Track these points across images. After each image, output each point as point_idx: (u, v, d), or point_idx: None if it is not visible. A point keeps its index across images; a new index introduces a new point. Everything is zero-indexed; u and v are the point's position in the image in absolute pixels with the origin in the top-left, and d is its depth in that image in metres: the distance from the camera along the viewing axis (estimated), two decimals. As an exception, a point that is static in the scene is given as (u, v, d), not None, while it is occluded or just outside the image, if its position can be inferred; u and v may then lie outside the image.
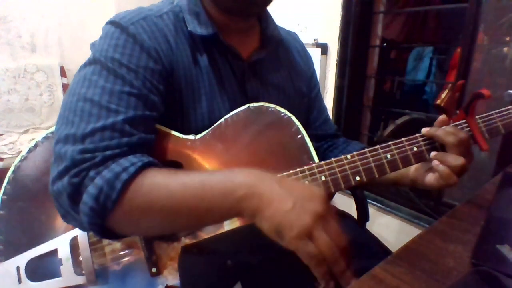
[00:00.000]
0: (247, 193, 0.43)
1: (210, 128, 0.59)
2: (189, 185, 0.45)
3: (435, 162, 0.57)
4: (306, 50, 0.80)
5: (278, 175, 0.47)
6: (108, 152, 0.46)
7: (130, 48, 0.53)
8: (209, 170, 0.48)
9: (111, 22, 0.56)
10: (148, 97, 0.52)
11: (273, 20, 0.70)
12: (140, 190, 0.45)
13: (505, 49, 1.34)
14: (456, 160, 0.56)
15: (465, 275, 0.45)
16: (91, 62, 0.53)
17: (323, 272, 0.41)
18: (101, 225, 0.45)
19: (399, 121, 1.92)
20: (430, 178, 0.60)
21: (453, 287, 0.43)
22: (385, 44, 2.11)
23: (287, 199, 0.42)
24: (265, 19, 0.68)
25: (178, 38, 0.58)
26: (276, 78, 0.70)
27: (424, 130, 0.60)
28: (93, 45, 0.56)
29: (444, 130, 0.58)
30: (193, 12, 0.60)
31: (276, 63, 0.71)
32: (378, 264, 0.48)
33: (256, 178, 0.44)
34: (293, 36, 0.79)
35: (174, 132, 0.58)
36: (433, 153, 0.58)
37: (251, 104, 0.60)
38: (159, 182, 0.45)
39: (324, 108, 0.84)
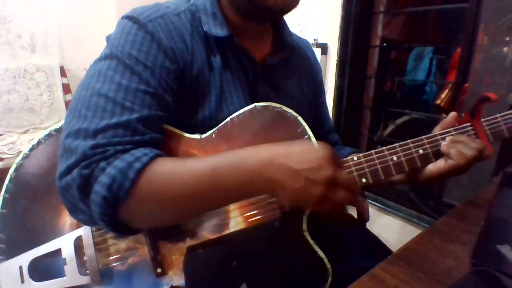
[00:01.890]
0: (260, 180, 0.45)
1: (216, 127, 0.59)
2: (201, 173, 0.45)
3: (450, 144, 0.58)
4: (316, 58, 0.81)
5: (284, 145, 0.47)
6: (119, 147, 0.46)
7: (147, 46, 0.52)
8: (218, 156, 0.48)
9: (129, 17, 0.55)
10: (163, 97, 0.52)
11: (288, 27, 0.70)
12: (152, 179, 0.45)
13: (505, 49, 1.35)
14: (475, 143, 0.56)
15: (465, 275, 0.45)
16: (107, 56, 0.52)
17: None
18: (113, 215, 0.45)
19: (399, 121, 1.92)
20: (436, 163, 0.60)
21: (453, 287, 0.43)
22: (385, 44, 2.11)
23: (298, 176, 0.44)
24: (280, 25, 0.68)
25: (194, 38, 0.58)
26: (286, 84, 0.70)
27: (449, 139, 0.59)
28: (108, 38, 0.55)
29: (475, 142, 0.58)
30: (209, 12, 0.60)
31: (288, 70, 0.71)
32: (378, 264, 0.48)
33: (265, 161, 0.45)
34: (305, 43, 0.79)
35: (180, 131, 0.58)
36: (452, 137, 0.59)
37: (258, 104, 0.60)
38: (170, 171, 0.46)
39: (328, 118, 0.85)
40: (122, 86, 0.49)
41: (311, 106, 0.77)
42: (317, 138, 0.80)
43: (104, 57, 0.52)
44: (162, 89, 0.52)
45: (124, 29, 0.54)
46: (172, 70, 0.54)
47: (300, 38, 0.78)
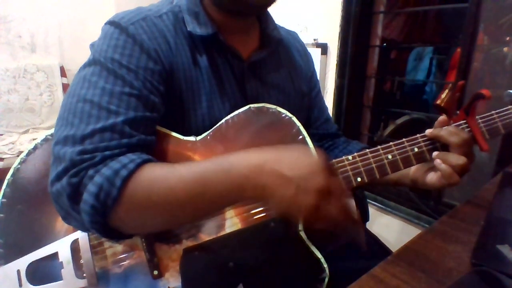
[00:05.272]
0: (250, 187, 0.44)
1: (211, 130, 0.59)
2: (190, 180, 0.45)
3: (438, 161, 0.58)
4: (306, 49, 0.80)
5: (276, 149, 0.47)
6: (107, 153, 0.46)
7: (129, 49, 0.53)
8: (207, 161, 0.48)
9: (111, 23, 0.56)
10: (148, 98, 0.52)
11: (273, 20, 0.70)
12: (140, 186, 0.44)
13: (505, 49, 1.35)
14: (459, 159, 0.57)
15: (465, 275, 0.45)
16: (90, 63, 0.53)
17: (339, 230, 0.47)
18: (103, 223, 0.45)
19: (399, 121, 1.92)
20: (432, 177, 0.61)
21: (453, 287, 0.43)
22: (385, 44, 2.11)
23: (289, 184, 0.43)
24: (264, 19, 0.68)
25: (178, 39, 0.58)
26: (276, 78, 0.69)
27: (428, 131, 0.61)
28: (92, 46, 0.56)
29: (447, 130, 0.59)
30: (192, 12, 0.60)
31: (276, 63, 0.71)
32: (378, 264, 0.48)
33: (256, 167, 0.44)
34: (293, 35, 0.79)
35: (174, 134, 0.58)
36: (435, 153, 0.59)
37: (252, 105, 0.60)
38: (158, 177, 0.46)
39: (324, 108, 0.84)
40: (106, 91, 0.49)
41: (304, 97, 0.76)
42: (315, 128, 0.82)
43: (88, 64, 0.53)
44: (147, 90, 0.52)
45: (106, 34, 0.55)
46: (157, 71, 0.54)
47: (288, 30, 0.78)
